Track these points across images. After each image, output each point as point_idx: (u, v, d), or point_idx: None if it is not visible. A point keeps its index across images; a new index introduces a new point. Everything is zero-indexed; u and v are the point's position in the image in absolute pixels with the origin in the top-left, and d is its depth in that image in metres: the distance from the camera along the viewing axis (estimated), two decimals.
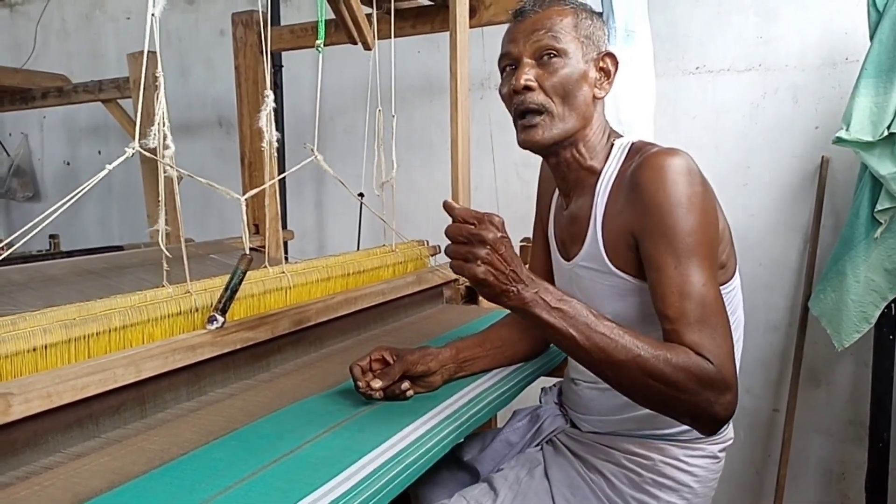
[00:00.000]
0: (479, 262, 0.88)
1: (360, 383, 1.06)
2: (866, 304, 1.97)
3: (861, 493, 2.17)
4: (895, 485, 2.16)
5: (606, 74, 1.10)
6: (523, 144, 1.10)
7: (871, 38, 1.91)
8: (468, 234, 0.89)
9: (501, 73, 1.12)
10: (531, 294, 0.91)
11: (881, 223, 1.92)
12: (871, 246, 1.95)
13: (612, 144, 1.12)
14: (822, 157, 2.27)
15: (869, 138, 1.89)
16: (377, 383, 1.06)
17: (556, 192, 1.22)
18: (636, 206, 1.00)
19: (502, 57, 1.11)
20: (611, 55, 1.11)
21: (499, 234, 0.89)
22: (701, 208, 0.96)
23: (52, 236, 2.79)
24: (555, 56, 1.05)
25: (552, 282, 1.26)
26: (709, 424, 0.94)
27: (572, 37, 1.06)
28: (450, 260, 0.91)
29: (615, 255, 1.06)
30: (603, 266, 1.08)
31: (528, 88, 1.05)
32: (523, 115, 1.07)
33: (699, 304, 0.93)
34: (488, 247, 0.88)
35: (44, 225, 0.94)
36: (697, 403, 0.91)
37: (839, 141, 1.93)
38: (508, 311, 1.45)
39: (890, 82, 1.87)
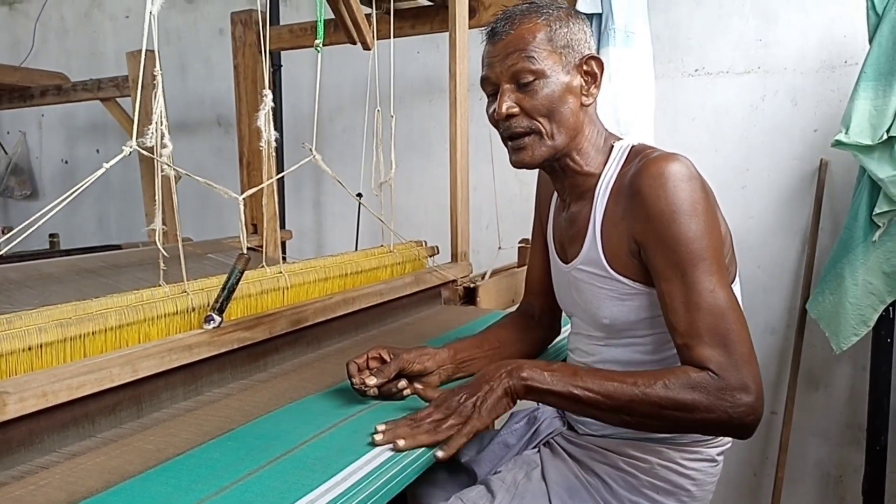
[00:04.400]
0: (460, 416, 0.94)
1: (354, 380, 1.06)
2: (864, 308, 1.97)
3: (858, 496, 2.17)
4: (892, 488, 2.17)
5: (593, 78, 1.08)
6: (515, 165, 1.09)
7: (871, 41, 1.91)
8: (433, 413, 0.96)
9: (487, 94, 1.11)
10: (528, 372, 0.96)
11: (879, 226, 1.93)
12: (869, 249, 1.95)
13: (612, 147, 1.11)
14: (821, 159, 2.27)
15: (868, 141, 1.89)
16: (372, 380, 1.05)
17: (555, 194, 1.22)
18: (637, 213, 1.00)
19: (482, 81, 1.09)
20: (595, 58, 1.08)
21: (455, 397, 0.96)
22: (703, 212, 0.96)
23: (51, 235, 2.78)
24: (533, 79, 1.03)
25: (550, 283, 1.26)
26: (741, 430, 0.93)
27: (548, 52, 1.04)
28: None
29: (615, 260, 1.06)
30: (602, 270, 1.07)
31: (510, 116, 1.05)
32: (511, 137, 1.07)
33: (707, 312, 0.94)
34: (456, 401, 0.95)
35: (41, 223, 0.94)
36: (717, 416, 0.91)
37: (838, 144, 1.93)
38: (507, 312, 1.46)
39: (889, 86, 1.87)
